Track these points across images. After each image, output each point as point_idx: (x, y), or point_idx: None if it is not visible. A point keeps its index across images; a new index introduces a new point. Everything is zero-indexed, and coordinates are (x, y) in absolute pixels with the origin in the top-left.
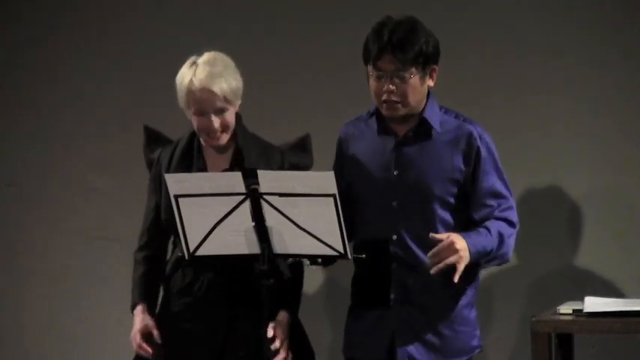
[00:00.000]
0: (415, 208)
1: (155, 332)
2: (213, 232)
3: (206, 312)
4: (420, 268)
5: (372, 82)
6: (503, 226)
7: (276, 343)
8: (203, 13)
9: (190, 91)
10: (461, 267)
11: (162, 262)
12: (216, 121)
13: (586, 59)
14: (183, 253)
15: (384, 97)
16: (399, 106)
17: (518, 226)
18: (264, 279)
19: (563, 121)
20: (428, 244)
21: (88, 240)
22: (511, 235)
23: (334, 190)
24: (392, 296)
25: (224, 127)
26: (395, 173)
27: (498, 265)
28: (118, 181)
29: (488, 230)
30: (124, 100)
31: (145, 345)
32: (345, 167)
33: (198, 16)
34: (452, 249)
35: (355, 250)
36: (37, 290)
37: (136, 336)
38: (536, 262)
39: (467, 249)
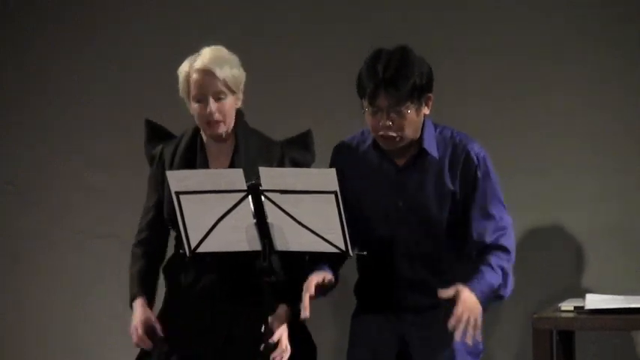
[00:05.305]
0: (422, 234)
1: (157, 325)
2: (215, 229)
3: (208, 310)
4: (429, 291)
5: (368, 117)
6: (501, 257)
7: (274, 337)
8: (203, 13)
9: (191, 74)
10: (480, 321)
11: (160, 257)
12: (213, 105)
13: (586, 59)
14: (185, 251)
15: (382, 132)
16: (397, 139)
17: (513, 250)
18: (266, 276)
19: (563, 121)
20: (436, 266)
21: (87, 238)
22: (509, 263)
23: (335, 186)
24: (399, 308)
25: (222, 114)
26: (400, 204)
27: (499, 300)
28: (117, 180)
29: (490, 266)
30: (123, 99)
31: (146, 337)
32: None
33: (198, 16)
34: (466, 308)
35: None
36: (36, 289)
37: (137, 328)
38: (538, 260)
39: (476, 300)
